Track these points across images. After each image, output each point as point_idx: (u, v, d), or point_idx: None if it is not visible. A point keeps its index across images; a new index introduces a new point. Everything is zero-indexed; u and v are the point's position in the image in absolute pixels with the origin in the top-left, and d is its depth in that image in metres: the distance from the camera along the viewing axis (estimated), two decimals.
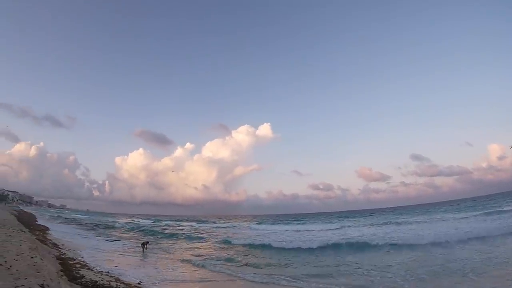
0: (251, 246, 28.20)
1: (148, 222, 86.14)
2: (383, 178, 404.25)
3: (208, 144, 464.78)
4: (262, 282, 14.86)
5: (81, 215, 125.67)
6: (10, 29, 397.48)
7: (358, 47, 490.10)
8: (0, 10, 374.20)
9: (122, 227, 62.02)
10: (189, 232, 46.56)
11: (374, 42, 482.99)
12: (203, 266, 19.52)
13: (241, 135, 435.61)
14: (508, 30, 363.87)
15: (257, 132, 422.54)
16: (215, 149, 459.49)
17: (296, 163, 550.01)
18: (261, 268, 18.88)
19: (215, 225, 70.41)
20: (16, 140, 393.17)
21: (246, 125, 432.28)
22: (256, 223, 72.16)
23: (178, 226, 65.77)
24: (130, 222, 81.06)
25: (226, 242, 31.95)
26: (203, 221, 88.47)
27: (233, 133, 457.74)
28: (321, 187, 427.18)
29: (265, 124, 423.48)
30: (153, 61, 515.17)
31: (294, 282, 14.69)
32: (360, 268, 17.13)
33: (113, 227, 59.96)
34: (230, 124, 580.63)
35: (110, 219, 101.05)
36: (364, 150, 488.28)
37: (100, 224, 66.46)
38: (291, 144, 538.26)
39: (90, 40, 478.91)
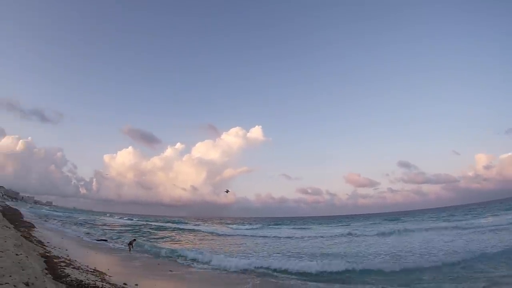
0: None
1: (133, 221, 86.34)
2: (371, 184, 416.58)
3: (198, 144, 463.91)
4: None
5: (60, 212, 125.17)
6: None
7: (349, 55, 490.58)
8: None
9: (109, 225, 62.32)
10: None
11: (365, 50, 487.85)
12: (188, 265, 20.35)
13: (232, 137, 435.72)
14: (498, 40, 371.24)
15: (248, 134, 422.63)
16: (205, 150, 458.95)
17: (286, 167, 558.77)
18: None
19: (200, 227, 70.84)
20: (1, 134, 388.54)
21: (237, 127, 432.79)
22: (248, 225, 73.41)
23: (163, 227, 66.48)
24: (120, 221, 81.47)
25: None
26: (184, 223, 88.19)
27: (224, 134, 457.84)
28: (309, 191, 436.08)
29: (256, 127, 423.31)
30: (144, 58, 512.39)
31: None
32: None
33: (99, 226, 60.11)
34: (221, 126, 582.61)
35: (97, 217, 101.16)
36: (353, 156, 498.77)
37: (86, 222, 66.47)
38: (281, 148, 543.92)
39: (79, 34, 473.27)
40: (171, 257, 24.20)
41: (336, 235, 41.13)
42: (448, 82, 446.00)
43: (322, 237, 40.64)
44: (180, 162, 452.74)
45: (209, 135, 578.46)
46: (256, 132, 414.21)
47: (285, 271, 18.95)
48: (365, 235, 38.24)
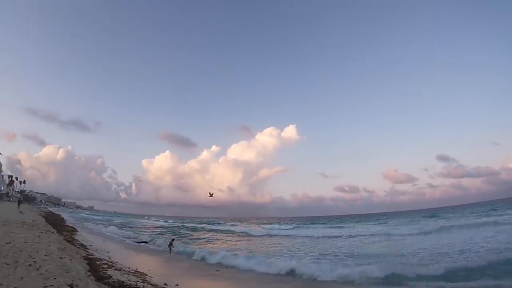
0: None
1: (171, 223, 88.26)
2: (409, 179, 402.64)
3: (234, 146, 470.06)
4: None
5: (101, 216, 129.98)
6: (35, 35, 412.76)
7: (385, 52, 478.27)
8: (26, 17, 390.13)
9: (148, 227, 64.03)
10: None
11: (401, 46, 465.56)
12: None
13: (266, 137, 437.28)
14: None
15: (282, 134, 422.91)
16: (240, 151, 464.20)
17: (321, 165, 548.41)
18: None
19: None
20: (43, 144, 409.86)
21: (271, 127, 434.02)
22: (285, 225, 72.79)
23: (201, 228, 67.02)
24: (156, 223, 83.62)
25: None
26: (220, 223, 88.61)
27: (258, 135, 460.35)
28: (346, 189, 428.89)
29: (290, 126, 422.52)
30: (177, 63, 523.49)
31: None
32: None
33: (139, 228, 61.97)
34: (255, 127, 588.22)
35: (137, 220, 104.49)
36: (390, 151, 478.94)
37: (126, 225, 68.72)
38: (316, 146, 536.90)
39: (111, 50, 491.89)
40: (208, 258, 24.17)
41: (374, 234, 39.33)
42: (485, 70, 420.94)
43: (360, 235, 38.85)
44: (216, 164, 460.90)
45: (243, 136, 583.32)
46: (290, 131, 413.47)
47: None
48: (404, 234, 36.41)
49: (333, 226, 64.51)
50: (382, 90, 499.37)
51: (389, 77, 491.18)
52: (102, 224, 69.40)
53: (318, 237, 40.00)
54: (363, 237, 37.44)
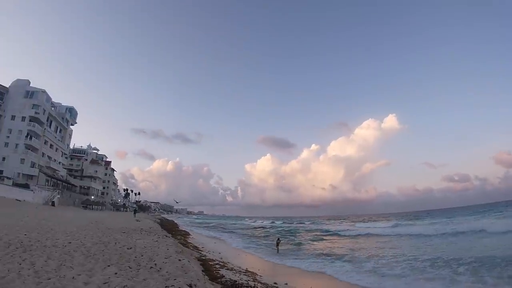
0: None
1: (276, 224, 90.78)
2: None
3: (333, 143, 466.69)
4: None
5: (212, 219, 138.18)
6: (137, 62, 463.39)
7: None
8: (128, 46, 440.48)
9: (253, 228, 66.40)
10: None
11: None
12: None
13: (365, 130, 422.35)
14: None
15: (382, 125, 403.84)
16: (340, 147, 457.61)
17: (427, 155, 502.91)
18: None
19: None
20: (152, 158, 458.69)
21: (369, 119, 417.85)
22: (395, 221, 67.22)
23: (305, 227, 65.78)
24: (262, 224, 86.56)
25: None
26: (323, 223, 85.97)
27: (357, 129, 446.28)
28: (456, 178, 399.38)
29: (390, 115, 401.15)
30: (273, 67, 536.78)
31: None
32: None
33: (245, 229, 64.71)
34: (353, 120, 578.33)
35: (242, 222, 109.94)
36: (500, 132, 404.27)
37: (233, 227, 72.66)
38: (420, 135, 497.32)
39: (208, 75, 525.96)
40: (317, 257, 23.82)
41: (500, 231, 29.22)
42: None
43: (483, 231, 30.60)
44: (317, 163, 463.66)
45: (341, 132, 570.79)
46: (390, 121, 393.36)
47: None
48: None
49: (442, 220, 55.42)
50: (484, 68, 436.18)
51: (498, 55, 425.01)
52: (212, 227, 74.52)
53: (422, 235, 34.07)
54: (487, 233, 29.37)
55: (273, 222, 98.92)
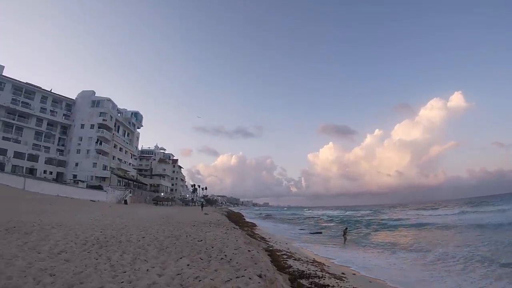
0: None
1: (341, 213, 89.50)
2: None
3: (397, 127, 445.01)
4: None
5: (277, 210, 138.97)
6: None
7: None
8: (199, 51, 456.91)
9: (318, 218, 65.91)
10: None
11: None
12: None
13: (429, 110, 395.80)
14: None
15: (448, 104, 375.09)
16: (405, 131, 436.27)
17: (498, 133, 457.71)
18: None
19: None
20: (215, 154, 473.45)
21: (434, 98, 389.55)
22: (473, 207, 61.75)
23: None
24: (327, 213, 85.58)
25: None
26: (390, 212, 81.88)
27: (421, 110, 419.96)
28: None
29: (455, 93, 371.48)
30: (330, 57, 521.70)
31: None
32: None
33: (310, 219, 64.50)
34: (416, 101, 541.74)
35: (307, 212, 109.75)
36: None
37: (298, 218, 72.73)
38: (489, 112, 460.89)
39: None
40: (382, 248, 23.14)
41: None
42: None
43: None
44: (382, 148, 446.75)
45: (405, 115, 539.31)
46: (456, 99, 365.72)
47: None
48: None
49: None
50: None
51: None
52: (278, 218, 75.39)
53: (490, 225, 30.13)
54: None
55: (338, 212, 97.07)
